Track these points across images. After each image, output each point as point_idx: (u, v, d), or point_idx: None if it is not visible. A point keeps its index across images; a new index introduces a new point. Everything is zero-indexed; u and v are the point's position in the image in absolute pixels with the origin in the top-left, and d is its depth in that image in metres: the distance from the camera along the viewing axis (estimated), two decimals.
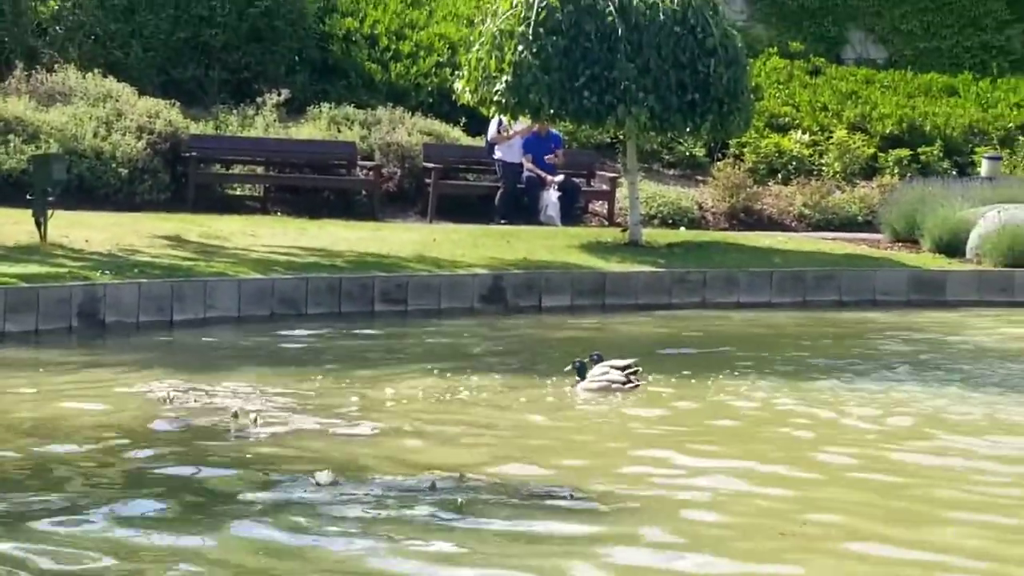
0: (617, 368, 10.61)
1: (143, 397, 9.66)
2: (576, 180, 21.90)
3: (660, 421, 9.52)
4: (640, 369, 10.80)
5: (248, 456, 8.01)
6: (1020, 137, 25.85)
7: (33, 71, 21.64)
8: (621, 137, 19.50)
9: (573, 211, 21.61)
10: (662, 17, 18.30)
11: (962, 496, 7.70)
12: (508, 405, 9.87)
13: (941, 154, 25.10)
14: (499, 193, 21.59)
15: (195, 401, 9.50)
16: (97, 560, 5.93)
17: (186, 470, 7.65)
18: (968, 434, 9.38)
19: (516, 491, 7.26)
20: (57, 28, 23.28)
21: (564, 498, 7.15)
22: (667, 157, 24.29)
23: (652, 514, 6.97)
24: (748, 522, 7.00)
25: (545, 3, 18.23)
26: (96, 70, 22.00)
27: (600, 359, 10.66)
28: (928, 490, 7.80)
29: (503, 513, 6.84)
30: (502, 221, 20.62)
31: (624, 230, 19.65)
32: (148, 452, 8.02)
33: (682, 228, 21.27)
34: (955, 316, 16.88)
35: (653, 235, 19.70)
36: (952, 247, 19.71)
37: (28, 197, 15.53)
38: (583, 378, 10.51)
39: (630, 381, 10.44)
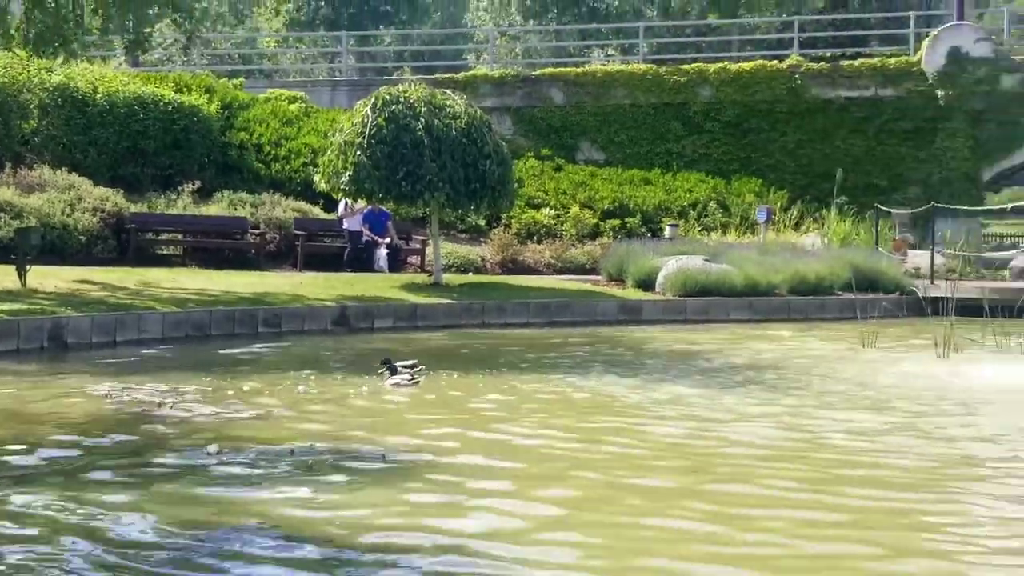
0: (405, 366, 10.68)
1: (92, 394, 9.47)
2: (399, 241, 21.92)
3: (443, 403, 9.52)
4: (423, 367, 10.86)
5: (164, 434, 7.87)
6: (691, 212, 26.33)
7: (18, 169, 21.29)
8: (428, 213, 19.49)
9: (397, 263, 21.60)
10: (454, 133, 18.42)
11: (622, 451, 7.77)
12: (345, 394, 9.81)
13: (640, 223, 25.49)
14: (346, 251, 21.54)
15: (128, 397, 9.32)
16: (60, 510, 5.78)
17: (121, 444, 7.50)
18: (630, 408, 9.46)
19: (348, 453, 7.21)
20: (35, 139, 22.84)
21: (380, 458, 7.13)
22: (460, 226, 24.39)
23: (439, 467, 6.97)
24: (514, 469, 7.01)
25: (375, 123, 18.24)
26: (63, 168, 21.78)
27: (388, 362, 10.69)
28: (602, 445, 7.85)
29: (340, 468, 6.81)
30: (348, 270, 20.55)
31: (430, 275, 19.69)
32: (96, 432, 7.87)
33: (470, 273, 21.35)
34: (649, 330, 17.11)
35: (450, 278, 19.75)
36: (647, 284, 20.01)
37: (12, 257, 15.46)
38: (393, 374, 10.52)
39: (413, 377, 10.46)
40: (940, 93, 27.86)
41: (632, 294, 19.64)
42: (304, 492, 6.16)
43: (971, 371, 11.98)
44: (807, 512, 6.06)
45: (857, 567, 5.21)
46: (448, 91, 19.72)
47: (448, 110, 18.61)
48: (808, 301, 20.06)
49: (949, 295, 16.36)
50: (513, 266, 22.52)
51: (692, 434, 8.26)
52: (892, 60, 29.03)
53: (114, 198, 20.90)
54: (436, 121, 18.33)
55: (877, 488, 6.60)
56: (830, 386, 10.97)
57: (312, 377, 10.66)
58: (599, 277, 21.30)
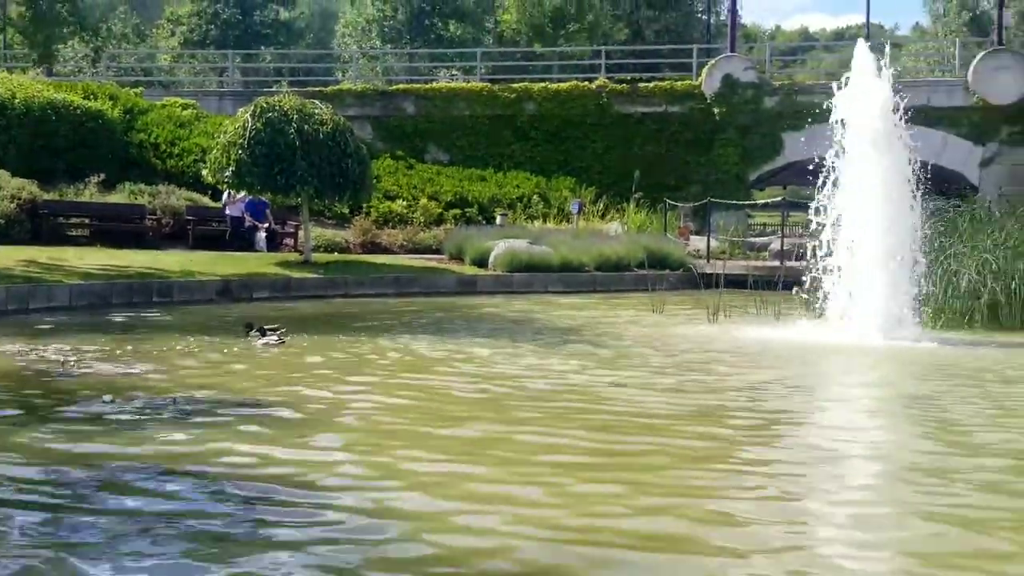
0: (270, 329, 10.51)
1: (3, 354, 9.09)
2: (276, 226, 21.52)
3: (309, 362, 9.37)
4: (284, 329, 10.70)
5: (67, 386, 7.58)
6: (518, 204, 26.41)
7: None
8: (300, 202, 19.18)
9: (274, 244, 21.20)
10: (321, 136, 18.15)
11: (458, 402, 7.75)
12: (222, 351, 9.60)
13: (477, 212, 25.48)
14: (229, 234, 21.05)
15: (36, 355, 8.97)
16: None
17: (31, 395, 7.19)
18: (439, 364, 9.45)
19: (225, 402, 7.05)
20: None
21: (254, 405, 6.99)
22: (328, 213, 24.03)
23: (305, 412, 6.86)
24: (366, 419, 6.93)
25: (255, 127, 17.87)
26: None
27: (251, 326, 10.49)
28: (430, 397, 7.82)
29: (216, 414, 6.64)
30: (232, 250, 20.09)
31: (302, 254, 19.38)
32: (6, 384, 7.55)
33: (336, 253, 21.07)
34: (483, 299, 17.14)
35: (319, 257, 19.46)
36: (481, 262, 20.03)
37: None
38: (263, 335, 10.34)
39: (280, 339, 10.31)
40: (716, 111, 28.46)
41: (469, 270, 19.65)
42: (181, 435, 6.01)
43: (733, 332, 12.31)
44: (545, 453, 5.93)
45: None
46: (317, 102, 19.40)
47: (316, 117, 18.32)
48: (610, 276, 20.34)
49: (720, 272, 16.79)
50: (372, 247, 22.31)
51: (476, 384, 8.06)
52: (679, 83, 29.54)
53: (29, 188, 20.00)
54: (306, 126, 18.03)
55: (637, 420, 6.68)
56: (619, 343, 11.09)
57: (196, 339, 10.41)
58: (443, 256, 21.24)
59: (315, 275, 17.44)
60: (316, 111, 18.51)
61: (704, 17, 46.34)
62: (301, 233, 20.80)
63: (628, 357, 9.96)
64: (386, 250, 22.31)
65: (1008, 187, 25.66)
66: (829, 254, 12.02)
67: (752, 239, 27.50)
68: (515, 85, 30.24)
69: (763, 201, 31.26)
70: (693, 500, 4.84)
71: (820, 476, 5.43)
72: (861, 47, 12.41)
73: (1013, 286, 13.14)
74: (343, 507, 4.60)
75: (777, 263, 21.69)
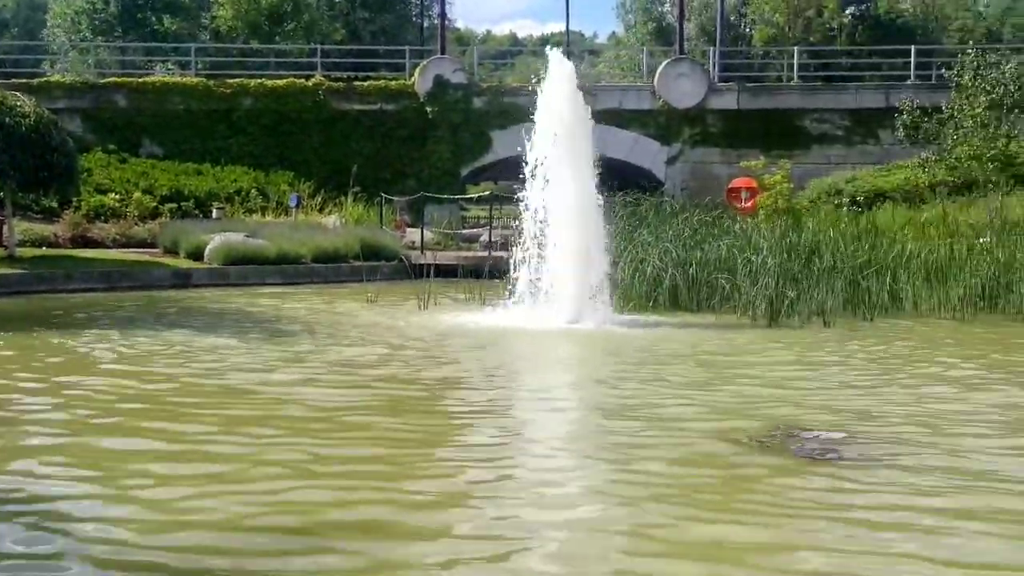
0: None
1: None
2: None
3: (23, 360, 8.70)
4: None
5: None
6: (236, 198, 25.60)
7: None
8: (3, 196, 17.76)
9: None
10: (23, 130, 16.91)
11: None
12: None
13: (194, 206, 24.50)
14: None
15: None
16: None
17: None
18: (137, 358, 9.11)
19: None
20: None
21: None
22: (35, 207, 22.42)
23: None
24: (94, 401, 6.48)
25: None
26: None
27: None
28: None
29: None
30: None
31: (6, 249, 17.98)
32: None
33: (44, 248, 19.63)
34: (197, 292, 16.46)
35: (25, 251, 18.13)
36: (197, 255, 19.28)
37: None
38: None
39: None
40: (429, 109, 28.67)
41: (184, 264, 18.86)
42: None
43: (441, 318, 12.45)
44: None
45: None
46: (19, 94, 18.04)
47: (18, 110, 17.02)
48: (328, 268, 20.01)
49: (433, 262, 16.95)
50: (83, 241, 20.93)
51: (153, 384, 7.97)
52: (394, 82, 29.51)
53: None
54: (7, 119, 16.73)
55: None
56: (327, 333, 10.96)
57: None
58: (157, 250, 20.27)
59: (19, 270, 16.24)
60: (18, 104, 17.20)
61: (417, 20, 46.62)
62: (6, 228, 19.29)
63: (331, 347, 9.77)
64: (99, 244, 21.03)
65: (690, 183, 27.36)
66: (527, 244, 12.34)
67: (465, 231, 27.92)
68: (232, 81, 29.31)
69: (475, 195, 31.91)
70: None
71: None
72: (554, 55, 12.79)
73: (691, 272, 13.93)
74: None
75: (486, 253, 22.18)
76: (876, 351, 9.90)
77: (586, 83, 12.87)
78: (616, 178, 12.95)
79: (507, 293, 12.65)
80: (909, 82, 28.34)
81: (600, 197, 12.48)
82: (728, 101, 28.44)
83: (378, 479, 4.87)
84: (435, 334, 10.96)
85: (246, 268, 18.82)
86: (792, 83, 29.68)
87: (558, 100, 12.41)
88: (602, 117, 12.92)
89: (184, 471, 4.94)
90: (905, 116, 23.49)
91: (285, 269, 19.33)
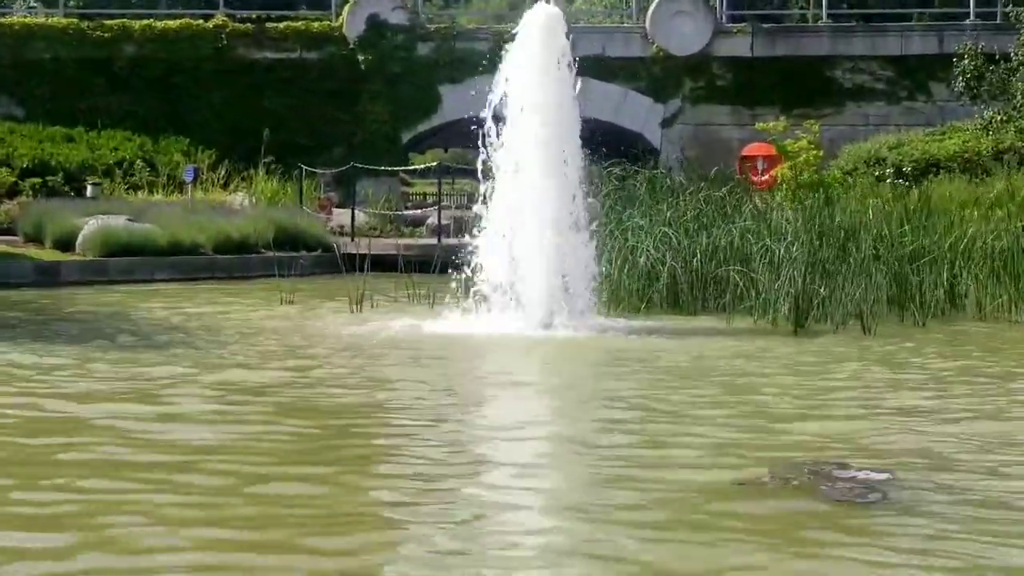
0: None
1: None
2: None
3: None
4: None
5: None
6: (117, 170, 25.33)
7: None
8: None
9: None
10: None
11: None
12: None
13: (63, 181, 24.18)
14: None
15: None
16: None
17: None
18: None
19: None
20: None
21: None
22: None
23: None
24: None
25: None
26: None
27: None
28: None
29: None
30: None
31: None
32: None
33: None
34: (76, 293, 16.11)
35: None
36: (67, 244, 19.04)
37: None
38: None
39: None
40: (361, 58, 28.46)
41: (49, 255, 18.59)
42: None
43: (376, 325, 12.28)
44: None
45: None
46: None
47: None
48: (232, 259, 19.91)
49: (368, 252, 16.82)
50: None
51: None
52: (316, 24, 29.28)
53: None
54: None
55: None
56: (226, 343, 10.74)
57: None
58: (16, 238, 19.95)
59: None
60: None
61: None
62: None
63: (223, 364, 9.43)
64: None
65: (691, 150, 27.31)
66: (486, 229, 12.26)
67: (408, 212, 27.85)
68: (110, 22, 28.97)
69: (420, 166, 31.78)
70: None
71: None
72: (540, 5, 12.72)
73: (695, 264, 13.85)
74: None
75: (435, 240, 22.10)
76: (931, 366, 9.85)
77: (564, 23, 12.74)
78: (598, 144, 12.85)
79: (462, 291, 12.58)
80: (968, 21, 28.46)
81: (582, 167, 12.42)
82: (739, 46, 28.46)
83: None
84: (368, 345, 10.79)
85: (129, 261, 18.67)
86: (821, 23, 29.73)
87: (532, 46, 12.34)
88: (581, 67, 12.75)
89: None
90: (964, 64, 23.54)
91: (179, 262, 19.21)
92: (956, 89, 24.18)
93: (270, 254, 19.75)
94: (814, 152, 20.80)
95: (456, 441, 6.75)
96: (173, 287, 17.39)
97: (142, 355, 9.81)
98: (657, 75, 28.53)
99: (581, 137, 12.50)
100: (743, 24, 29.04)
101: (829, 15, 29.66)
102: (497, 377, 9.47)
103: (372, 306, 13.91)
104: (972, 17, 28.71)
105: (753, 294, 13.24)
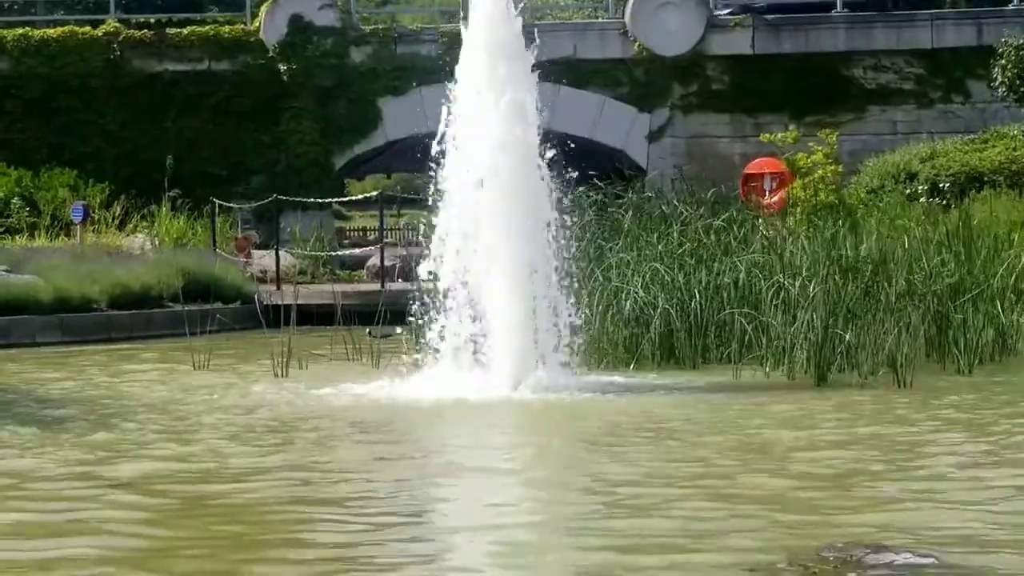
0: None
1: None
2: None
3: None
4: None
5: None
6: None
7: None
8: None
9: None
10: None
11: None
12: None
13: None
14: None
15: None
16: None
17: None
18: None
19: None
20: None
21: None
22: None
23: None
24: None
25: None
26: None
27: None
28: None
29: None
30: None
31: None
32: None
33: None
34: None
35: None
36: None
37: None
38: None
39: None
40: (283, 67, 28.46)
41: None
42: None
43: (307, 392, 12.24)
44: None
45: None
46: None
47: None
48: (133, 316, 19.93)
49: (297, 302, 16.76)
50: None
51: None
52: (228, 28, 29.32)
53: None
54: None
55: None
56: (112, 420, 10.60)
57: None
58: None
59: None
60: None
61: None
62: None
63: (111, 456, 9.03)
64: None
65: (686, 167, 27.28)
66: (439, 272, 12.26)
67: (345, 252, 27.80)
68: None
69: (358, 197, 31.80)
70: None
71: None
72: None
73: (693, 307, 13.86)
74: None
75: (379, 286, 22.07)
76: (978, 423, 9.83)
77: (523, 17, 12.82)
78: (571, 163, 12.87)
79: (413, 347, 12.46)
80: (1012, 6, 28.74)
81: (555, 195, 12.45)
82: (739, 43, 28.71)
83: None
84: (294, 418, 10.67)
85: (9, 320, 18.57)
86: (836, 12, 29.89)
87: (484, 47, 12.39)
88: (548, 72, 12.79)
89: None
90: (1007, 58, 23.76)
91: (67, 320, 19.19)
92: (998, 88, 24.43)
93: (178, 308, 19.61)
94: (831, 167, 20.97)
95: (406, 553, 6.49)
96: (59, 351, 17.25)
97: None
98: (640, 79, 28.71)
99: (550, 158, 12.50)
100: (742, 15, 29.24)
101: (845, 2, 29.81)
102: (455, 455, 9.39)
103: (302, 367, 13.88)
104: (1017, 2, 28.99)
105: (764, 341, 13.24)
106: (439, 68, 12.77)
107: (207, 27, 29.58)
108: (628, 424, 10.15)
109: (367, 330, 15.31)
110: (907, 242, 15.47)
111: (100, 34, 28.94)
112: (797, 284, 13.76)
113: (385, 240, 26.23)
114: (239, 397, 12.15)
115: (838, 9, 29.30)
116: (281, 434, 9.87)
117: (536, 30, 13.39)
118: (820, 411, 10.69)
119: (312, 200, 25.90)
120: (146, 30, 29.40)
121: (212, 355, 14.95)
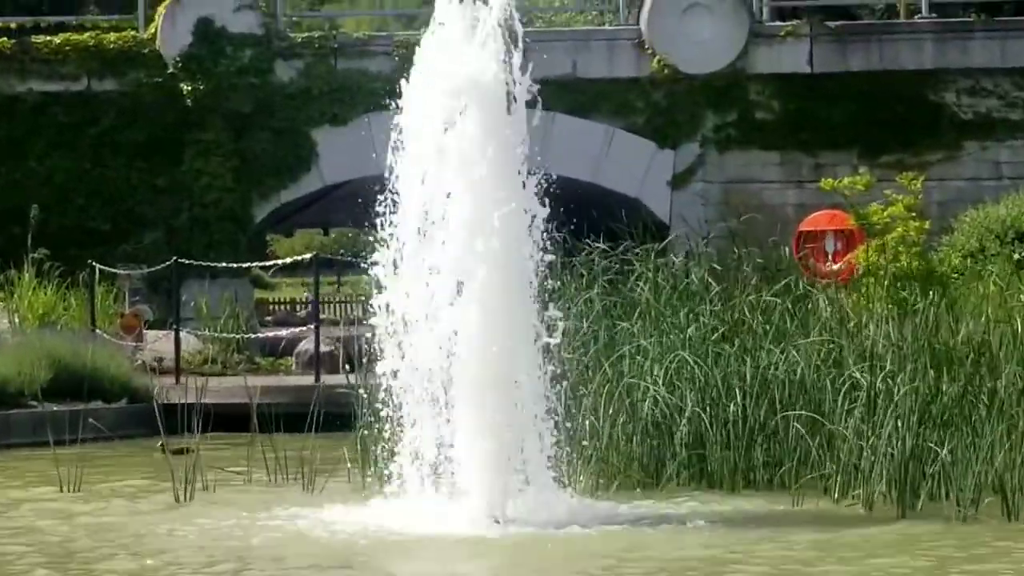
0: None
1: None
2: None
3: None
4: None
5: None
6: None
7: None
8: None
9: None
10: None
11: None
12: None
13: None
14: None
15: None
16: None
17: None
18: None
19: None
20: None
21: None
22: None
23: None
24: None
25: None
26: None
27: None
28: None
29: None
30: None
31: None
32: None
33: None
34: None
35: None
36: None
37: None
38: None
39: None
40: (186, 88, 28.53)
41: None
42: None
43: (216, 524, 12.25)
44: None
45: None
46: None
47: None
48: None
49: (201, 401, 16.70)
50: None
51: None
52: (113, 36, 29.31)
53: None
54: None
55: None
56: None
57: None
58: None
59: None
60: None
61: None
62: None
63: None
64: None
65: (720, 220, 27.06)
66: (400, 362, 12.19)
67: (268, 333, 27.78)
68: None
69: (286, 260, 31.76)
70: None
71: None
72: None
73: (731, 411, 13.82)
74: None
75: (310, 380, 22.02)
76: None
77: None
78: (570, 216, 12.89)
79: (361, 463, 12.47)
80: None
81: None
82: (791, 57, 28.92)
83: None
84: (198, 562, 10.66)
85: None
86: (918, 19, 30.03)
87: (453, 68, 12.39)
88: (542, 96, 12.77)
89: None
90: None
91: None
92: None
93: (43, 409, 19.58)
94: (915, 223, 20.92)
95: None
96: None
97: None
98: (661, 105, 28.80)
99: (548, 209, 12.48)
100: (796, 22, 29.37)
101: (933, 5, 29.89)
102: None
103: (208, 490, 13.96)
104: None
105: (831, 460, 13.21)
106: (392, 91, 12.67)
107: (86, 34, 29.62)
108: (639, 570, 10.15)
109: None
110: (1019, 325, 15.44)
111: None
112: (877, 380, 13.69)
113: (321, 317, 26.21)
114: (118, 533, 12.08)
115: (923, 14, 29.43)
116: None
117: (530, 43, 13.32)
118: (898, 551, 10.67)
119: (223, 265, 25.83)
120: (4, 38, 29.43)
121: (87, 470, 14.89)
